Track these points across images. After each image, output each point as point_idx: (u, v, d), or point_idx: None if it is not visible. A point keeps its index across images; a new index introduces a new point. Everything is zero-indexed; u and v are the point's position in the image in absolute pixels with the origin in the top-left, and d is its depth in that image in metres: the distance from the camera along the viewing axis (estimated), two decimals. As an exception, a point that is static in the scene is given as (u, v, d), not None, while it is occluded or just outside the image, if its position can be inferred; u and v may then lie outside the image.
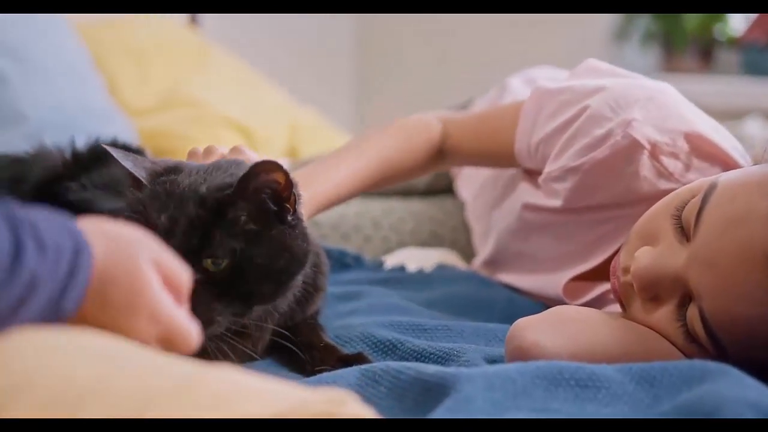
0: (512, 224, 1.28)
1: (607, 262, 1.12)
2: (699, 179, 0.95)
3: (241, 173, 0.89)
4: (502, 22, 3.13)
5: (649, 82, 1.14)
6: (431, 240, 1.58)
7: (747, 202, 0.84)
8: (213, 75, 2.37)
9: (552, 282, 1.20)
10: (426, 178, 1.63)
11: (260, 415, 0.52)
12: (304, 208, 0.98)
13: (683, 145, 1.08)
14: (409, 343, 0.99)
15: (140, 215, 0.88)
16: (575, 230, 1.18)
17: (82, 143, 1.18)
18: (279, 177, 0.89)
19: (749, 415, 0.68)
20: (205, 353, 0.88)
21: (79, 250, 0.61)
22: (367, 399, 0.78)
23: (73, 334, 0.59)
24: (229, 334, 0.89)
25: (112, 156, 1.08)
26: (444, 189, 1.67)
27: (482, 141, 1.28)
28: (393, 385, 0.79)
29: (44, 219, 0.60)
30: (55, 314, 0.60)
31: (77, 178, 1.12)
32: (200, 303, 0.86)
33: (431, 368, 0.79)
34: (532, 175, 1.26)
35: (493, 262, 1.36)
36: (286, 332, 0.96)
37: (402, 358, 0.97)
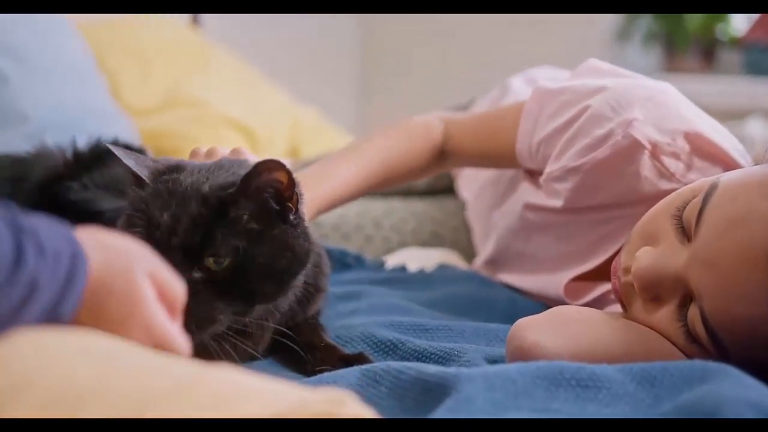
0: (513, 224, 1.28)
1: (608, 262, 1.12)
2: (700, 179, 0.95)
3: (243, 172, 0.89)
4: (503, 22, 3.13)
5: (650, 82, 1.14)
6: (432, 240, 1.58)
7: (748, 202, 0.84)
8: (214, 75, 2.37)
9: (553, 282, 1.20)
10: (427, 178, 1.63)
11: (260, 415, 0.52)
12: (306, 210, 0.98)
13: (684, 145, 1.08)
14: (410, 343, 0.99)
15: (142, 213, 0.89)
16: (576, 230, 1.18)
17: (83, 143, 1.18)
18: (281, 176, 0.89)
19: (750, 415, 0.68)
20: (206, 352, 0.89)
21: (76, 256, 0.61)
22: (368, 399, 0.78)
23: (73, 334, 0.59)
24: (230, 333, 0.90)
25: (114, 155, 1.08)
26: (445, 189, 1.67)
27: (483, 142, 1.28)
28: (394, 385, 0.79)
29: (44, 225, 0.60)
30: (54, 319, 0.60)
31: (78, 178, 1.12)
32: (202, 302, 0.86)
33: (432, 368, 0.79)
34: (533, 175, 1.26)
35: (494, 262, 1.36)
36: (288, 331, 0.97)
37: (403, 358, 0.97)
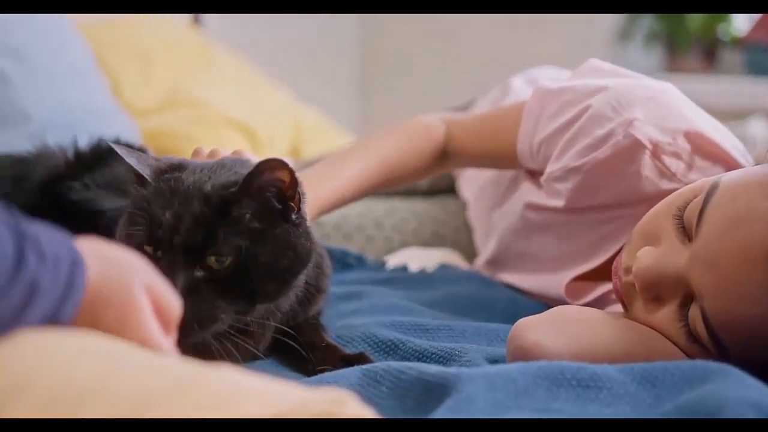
0: (514, 224, 1.28)
1: (609, 262, 1.12)
2: (701, 179, 0.95)
3: (245, 171, 0.89)
4: (505, 22, 3.13)
5: (651, 82, 1.14)
6: (433, 240, 1.58)
7: (748, 202, 0.84)
8: (216, 75, 2.37)
9: (554, 282, 1.20)
10: (429, 178, 1.63)
11: (260, 415, 0.52)
12: (308, 210, 0.98)
13: (685, 145, 1.08)
14: (411, 343, 0.99)
15: (145, 212, 0.89)
16: (577, 230, 1.18)
17: (84, 143, 1.18)
18: (284, 175, 0.89)
19: (751, 415, 0.68)
20: (208, 350, 0.89)
21: (75, 263, 0.61)
22: (369, 399, 0.79)
23: (73, 335, 0.59)
24: (232, 332, 0.90)
25: (115, 155, 1.08)
26: (446, 189, 1.67)
27: (485, 142, 1.28)
28: (394, 385, 0.79)
29: (45, 233, 0.61)
30: (54, 324, 0.60)
31: (80, 178, 1.12)
32: (204, 300, 0.86)
33: (433, 368, 0.79)
34: (534, 175, 1.26)
35: (494, 262, 1.36)
36: (290, 330, 0.97)
37: (403, 358, 0.97)
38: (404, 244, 1.57)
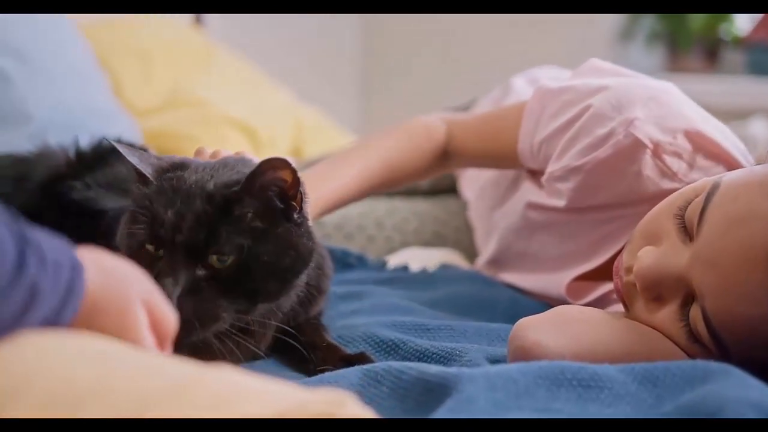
0: (515, 223, 1.28)
1: (611, 261, 1.12)
2: (702, 179, 0.95)
3: (248, 170, 0.89)
4: (506, 22, 3.13)
5: (652, 82, 1.14)
6: (434, 240, 1.58)
7: (749, 201, 0.84)
8: (217, 75, 2.37)
9: (555, 282, 1.20)
10: (430, 179, 1.63)
11: (259, 415, 0.52)
12: (310, 210, 0.98)
13: (685, 144, 1.08)
14: (412, 343, 0.99)
15: (146, 210, 0.89)
16: (578, 230, 1.18)
17: (85, 143, 1.18)
18: (286, 174, 0.89)
19: (751, 415, 0.68)
20: (209, 349, 0.89)
21: (75, 269, 0.61)
22: (369, 399, 0.79)
23: (73, 337, 0.59)
24: (233, 331, 0.90)
25: (116, 155, 1.08)
26: (447, 189, 1.67)
27: (486, 142, 1.28)
28: (395, 385, 0.79)
29: (45, 238, 0.61)
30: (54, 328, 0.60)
31: (81, 178, 1.12)
32: (205, 299, 0.86)
33: (433, 368, 0.79)
34: (535, 174, 1.25)
35: (495, 262, 1.36)
36: (291, 330, 0.97)
37: (404, 358, 0.97)
38: (405, 244, 1.57)
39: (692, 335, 0.88)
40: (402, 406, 0.77)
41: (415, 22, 3.30)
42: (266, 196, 0.89)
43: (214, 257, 0.87)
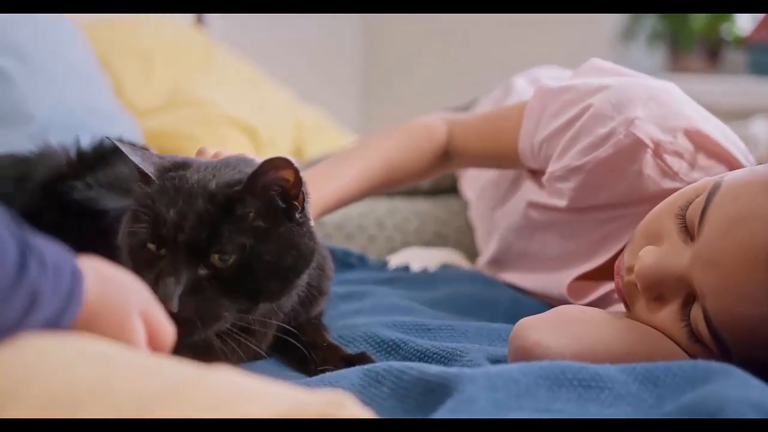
0: (516, 222, 1.28)
1: (612, 261, 1.12)
2: (703, 178, 0.94)
3: (250, 170, 0.89)
4: (507, 22, 3.13)
5: (652, 81, 1.14)
6: (435, 240, 1.58)
7: (750, 201, 0.84)
8: (218, 75, 2.37)
9: (556, 281, 1.20)
10: (431, 179, 1.63)
11: (259, 416, 0.52)
12: (311, 210, 0.98)
13: (686, 144, 1.08)
14: (413, 343, 0.99)
15: (148, 209, 0.89)
16: (579, 229, 1.17)
17: (86, 143, 1.18)
18: (288, 174, 0.89)
19: (752, 415, 0.68)
20: (211, 348, 0.89)
21: (75, 275, 0.61)
22: (370, 399, 0.79)
23: (74, 339, 0.60)
24: (234, 330, 0.90)
25: (117, 155, 1.08)
26: (448, 189, 1.67)
27: (486, 142, 1.28)
28: (395, 385, 0.79)
29: (46, 243, 0.61)
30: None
31: (82, 177, 1.12)
32: (207, 298, 0.86)
33: (434, 368, 0.79)
34: (536, 174, 1.25)
35: (496, 262, 1.36)
36: (293, 330, 0.97)
37: (405, 358, 0.97)
38: (406, 244, 1.57)
39: (693, 335, 0.88)
40: (403, 406, 0.77)
41: (416, 22, 3.30)
42: (268, 195, 0.89)
43: (216, 256, 0.87)
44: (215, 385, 0.54)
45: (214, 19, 2.81)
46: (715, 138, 1.08)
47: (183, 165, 0.93)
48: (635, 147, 1.07)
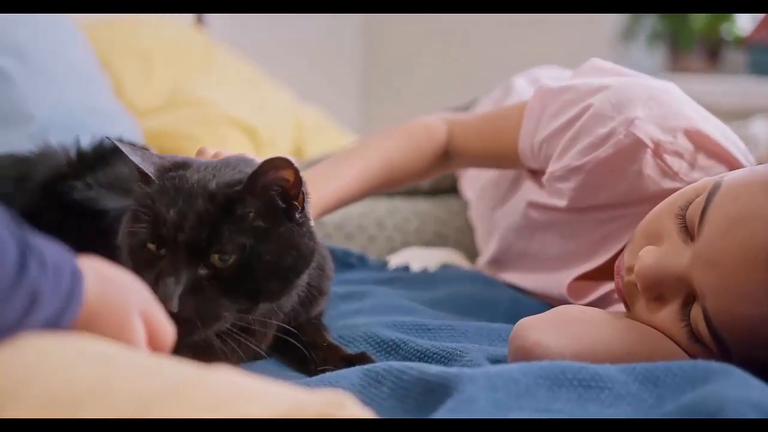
0: (517, 222, 1.28)
1: (612, 261, 1.12)
2: (704, 178, 0.94)
3: (250, 170, 0.89)
4: (508, 22, 3.13)
5: (652, 81, 1.14)
6: (435, 240, 1.58)
7: (750, 201, 0.84)
8: (219, 75, 2.37)
9: (556, 281, 1.20)
10: (431, 179, 1.63)
11: (259, 416, 0.52)
12: (310, 210, 0.98)
13: (686, 144, 1.08)
14: (413, 343, 0.99)
15: (148, 209, 0.89)
16: (579, 229, 1.17)
17: (86, 143, 1.18)
18: (288, 174, 0.89)
19: (752, 415, 0.68)
20: (211, 348, 0.89)
21: (75, 275, 0.61)
22: (370, 399, 0.79)
23: (74, 338, 0.60)
24: (234, 330, 0.90)
25: (117, 155, 1.08)
26: (448, 189, 1.67)
27: (487, 142, 1.28)
28: (395, 385, 0.79)
29: (46, 244, 0.61)
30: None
31: (82, 177, 1.12)
32: (207, 298, 0.86)
33: (434, 368, 0.79)
34: (536, 174, 1.25)
35: (496, 262, 1.36)
36: (293, 329, 0.97)
37: (405, 358, 0.97)
38: (406, 244, 1.57)
39: (693, 335, 0.88)
40: (402, 406, 0.77)
41: (416, 22, 3.30)
42: (268, 195, 0.89)
43: (216, 256, 0.87)
44: (215, 385, 0.54)
45: (214, 19, 2.81)
46: (715, 138, 1.08)
47: (183, 165, 0.93)
48: (635, 147, 1.07)
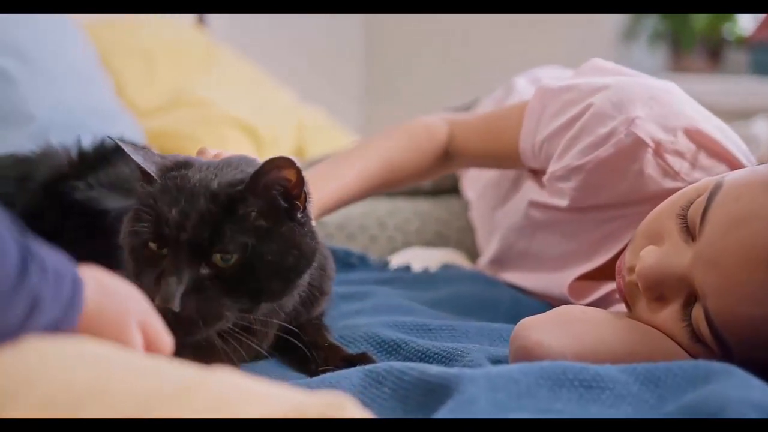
0: (518, 222, 1.28)
1: (613, 261, 1.12)
2: (705, 178, 0.94)
3: (251, 170, 0.89)
4: (509, 22, 3.13)
5: (653, 81, 1.14)
6: (436, 240, 1.58)
7: (751, 201, 0.84)
8: (220, 75, 2.37)
9: (557, 281, 1.20)
10: (432, 179, 1.63)
11: (260, 418, 0.52)
12: (311, 210, 0.98)
13: (687, 143, 1.08)
14: (414, 343, 0.99)
15: (150, 209, 0.89)
16: (580, 229, 1.17)
17: (88, 143, 1.18)
18: (290, 174, 0.89)
19: (753, 415, 0.68)
20: (212, 348, 0.89)
21: (75, 282, 0.61)
22: (371, 400, 0.79)
23: (75, 340, 0.60)
24: (236, 330, 0.90)
25: (119, 155, 1.08)
26: (449, 189, 1.67)
27: (487, 142, 1.28)
28: (396, 385, 0.79)
29: (46, 250, 0.61)
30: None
31: (83, 178, 1.12)
32: (209, 298, 0.86)
33: (434, 369, 0.79)
34: (537, 173, 1.25)
35: (497, 262, 1.36)
36: (294, 329, 0.97)
37: (406, 358, 0.97)
38: (407, 244, 1.57)
39: (694, 335, 0.87)
40: (403, 406, 0.77)
41: (417, 22, 3.30)
42: (270, 195, 0.89)
43: (218, 256, 0.87)
44: (216, 387, 0.54)
45: (215, 19, 2.81)
46: (715, 138, 1.08)
47: (185, 164, 0.93)
48: (636, 146, 1.07)
